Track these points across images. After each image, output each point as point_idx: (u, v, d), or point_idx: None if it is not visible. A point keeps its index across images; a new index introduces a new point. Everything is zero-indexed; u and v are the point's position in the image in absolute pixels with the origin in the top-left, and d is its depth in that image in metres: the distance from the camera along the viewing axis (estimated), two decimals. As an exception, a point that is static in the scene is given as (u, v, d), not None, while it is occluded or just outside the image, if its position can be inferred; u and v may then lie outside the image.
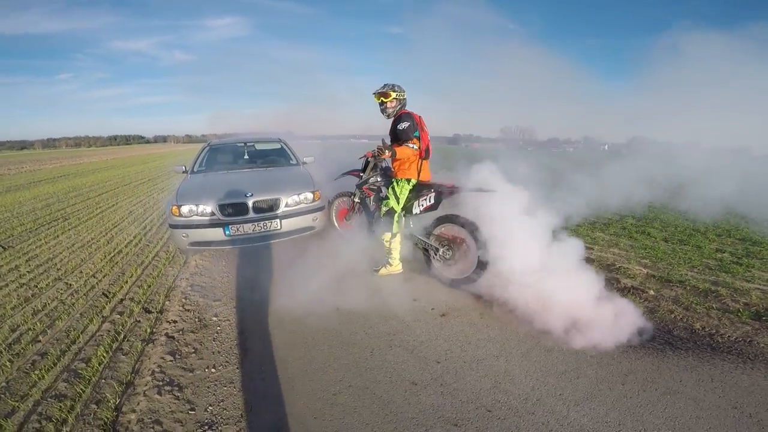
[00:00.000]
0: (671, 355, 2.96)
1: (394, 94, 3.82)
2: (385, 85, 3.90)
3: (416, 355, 2.96)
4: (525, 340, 3.14)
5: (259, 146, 6.69)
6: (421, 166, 3.98)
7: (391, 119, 3.95)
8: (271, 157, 6.35)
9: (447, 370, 2.79)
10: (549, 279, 3.50)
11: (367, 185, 4.60)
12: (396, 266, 4.25)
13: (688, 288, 4.13)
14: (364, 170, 4.63)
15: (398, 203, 4.03)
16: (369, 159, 4.50)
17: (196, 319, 3.56)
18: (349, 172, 5.00)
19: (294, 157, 6.26)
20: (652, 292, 4.01)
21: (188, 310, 3.73)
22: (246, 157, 6.32)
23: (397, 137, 3.82)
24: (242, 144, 6.57)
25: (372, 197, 4.62)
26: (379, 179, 4.52)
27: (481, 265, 3.68)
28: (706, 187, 5.56)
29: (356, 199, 4.82)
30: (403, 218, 4.18)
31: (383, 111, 3.96)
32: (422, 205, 4.01)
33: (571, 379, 2.68)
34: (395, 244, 4.17)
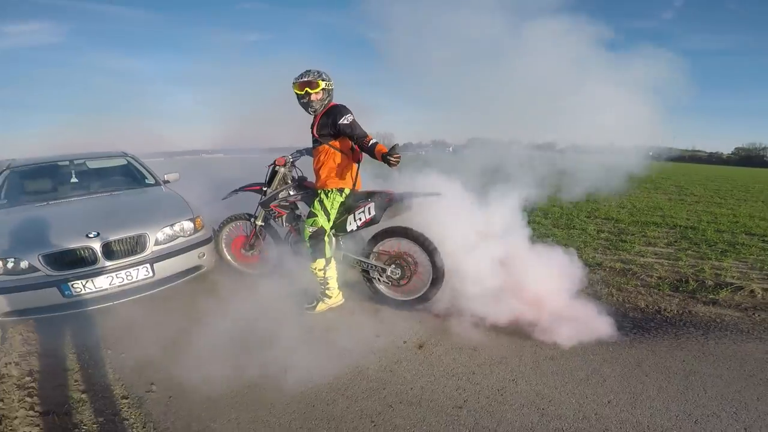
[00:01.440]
0: (651, 337, 3.11)
1: (323, 84, 3.12)
2: (308, 71, 3.16)
3: (428, 406, 2.35)
4: (524, 353, 2.89)
5: (92, 164, 4.91)
6: (357, 171, 3.40)
7: (316, 114, 3.25)
8: (115, 177, 4.75)
9: (476, 412, 2.28)
10: (511, 280, 3.41)
11: (276, 202, 3.72)
12: (336, 297, 3.50)
13: (607, 269, 4.55)
14: (269, 183, 3.74)
15: (329, 220, 3.33)
16: (277, 168, 3.66)
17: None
18: (246, 188, 3.98)
19: (150, 174, 4.81)
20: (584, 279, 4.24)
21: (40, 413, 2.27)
22: (74, 180, 4.53)
23: (336, 136, 3.16)
24: (66, 162, 4.71)
25: (284, 217, 3.76)
26: (292, 192, 3.71)
27: (437, 281, 3.31)
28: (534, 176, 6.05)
29: (259, 222, 3.87)
30: (334, 238, 3.48)
31: (307, 105, 3.19)
32: (359, 219, 3.40)
33: (601, 383, 2.54)
34: (331, 271, 3.43)
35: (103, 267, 3.18)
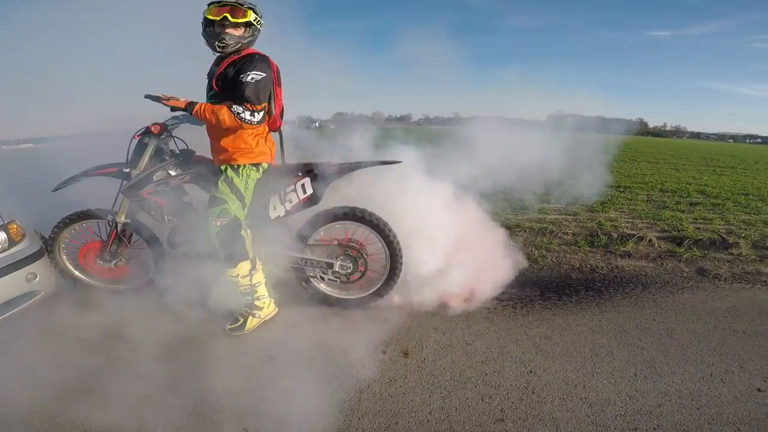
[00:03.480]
0: (609, 298, 3.33)
1: (251, 16, 2.36)
2: None
3: (463, 428, 1.95)
4: (517, 337, 2.75)
5: None
6: (280, 142, 2.66)
7: (226, 58, 2.39)
8: None
9: (523, 421, 2.00)
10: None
11: (150, 187, 2.66)
12: (268, 307, 2.74)
13: (527, 230, 4.79)
14: (134, 161, 2.64)
15: (243, 207, 2.53)
16: (147, 140, 2.61)
17: None
18: (94, 171, 2.72)
19: None
20: (512, 242, 4.36)
21: None
22: None
23: (234, 92, 2.33)
24: None
25: (164, 208, 2.72)
26: (174, 172, 2.70)
27: (395, 271, 2.91)
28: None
29: (123, 219, 2.76)
30: (249, 230, 2.69)
31: (216, 39, 2.35)
32: (290, 201, 2.70)
33: (609, 357, 2.53)
34: (258, 275, 2.66)
35: None
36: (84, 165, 2.76)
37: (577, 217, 5.39)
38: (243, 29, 2.37)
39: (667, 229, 4.99)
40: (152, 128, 2.56)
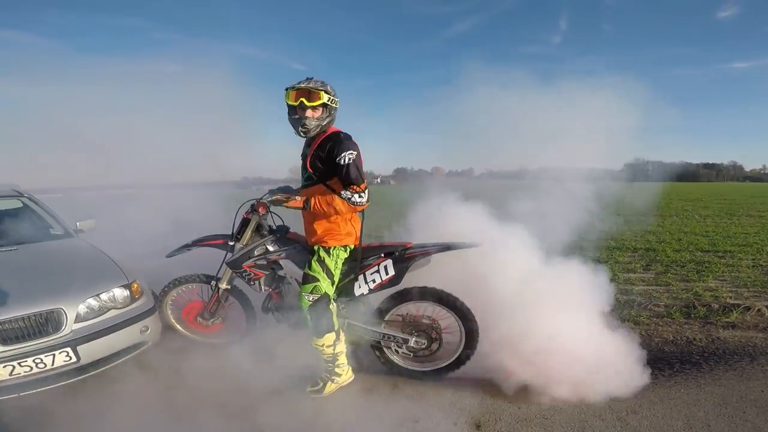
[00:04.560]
0: (709, 371, 3.08)
1: (325, 97, 2.59)
2: (310, 77, 2.65)
3: None
4: (601, 412, 2.63)
5: None
6: (362, 221, 2.95)
7: (315, 139, 2.73)
8: (7, 225, 3.68)
9: None
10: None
11: (251, 261, 3.06)
12: (346, 374, 2.93)
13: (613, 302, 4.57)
14: (238, 235, 3.07)
15: (332, 284, 2.82)
16: (251, 215, 3.00)
17: None
18: (203, 242, 3.24)
19: (57, 222, 3.82)
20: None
21: None
22: None
23: (328, 174, 2.66)
24: None
25: (262, 279, 3.10)
26: (272, 248, 3.09)
27: (470, 347, 2.99)
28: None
29: (224, 285, 3.17)
30: (334, 303, 2.94)
31: (298, 123, 2.65)
32: (373, 281, 2.95)
33: (706, 428, 2.40)
34: (340, 345, 2.88)
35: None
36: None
37: (670, 288, 5.06)
38: (321, 110, 2.62)
39: (779, 298, 4.52)
40: (259, 209, 2.96)
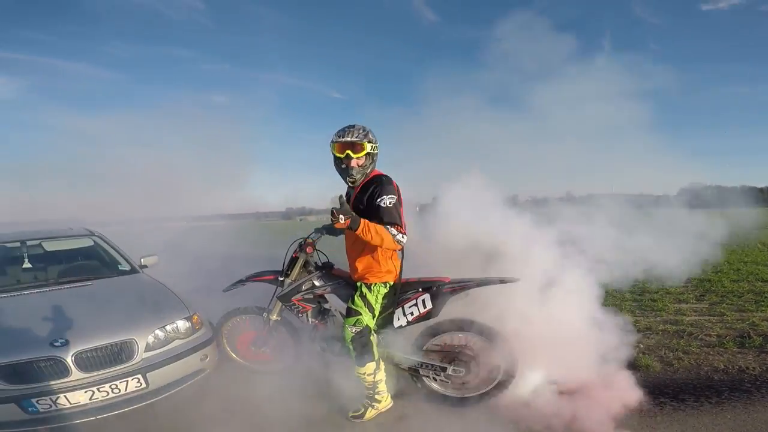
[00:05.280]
0: (762, 398, 3.02)
1: (368, 147, 2.79)
2: (353, 127, 2.83)
3: None
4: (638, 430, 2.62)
5: (50, 245, 4.30)
6: (401, 259, 3.13)
7: (357, 184, 2.92)
8: (80, 262, 4.17)
9: None
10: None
11: (300, 295, 3.34)
12: (385, 401, 3.09)
13: (660, 333, 4.49)
14: (288, 271, 3.39)
15: (373, 317, 3.03)
16: (299, 254, 3.33)
17: None
18: (256, 277, 3.58)
19: (124, 258, 4.28)
20: (641, 346, 4.15)
21: None
22: (27, 265, 3.93)
23: (369, 215, 2.80)
24: (16, 243, 4.08)
25: (309, 312, 3.36)
26: (318, 283, 3.36)
27: (507, 376, 3.09)
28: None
29: (275, 317, 3.45)
30: (376, 335, 3.14)
31: (345, 173, 2.86)
32: (411, 314, 3.13)
33: None
34: (380, 374, 3.07)
35: (77, 380, 2.74)
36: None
37: (723, 318, 4.89)
38: (365, 159, 2.83)
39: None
40: (307, 249, 3.30)
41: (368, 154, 2.82)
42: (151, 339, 3.06)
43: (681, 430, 2.66)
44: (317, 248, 3.42)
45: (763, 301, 5.49)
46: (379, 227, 2.65)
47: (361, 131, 2.82)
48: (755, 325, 4.55)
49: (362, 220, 2.61)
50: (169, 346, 3.13)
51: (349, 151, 2.77)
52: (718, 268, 7.82)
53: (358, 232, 2.60)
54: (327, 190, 3.41)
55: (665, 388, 3.30)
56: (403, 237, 2.74)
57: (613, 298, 6.06)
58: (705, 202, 4.42)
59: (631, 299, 5.93)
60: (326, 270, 3.41)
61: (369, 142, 2.80)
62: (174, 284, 3.80)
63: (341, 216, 2.55)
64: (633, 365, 3.69)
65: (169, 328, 3.19)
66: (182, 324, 3.27)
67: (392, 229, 2.68)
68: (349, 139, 2.79)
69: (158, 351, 3.07)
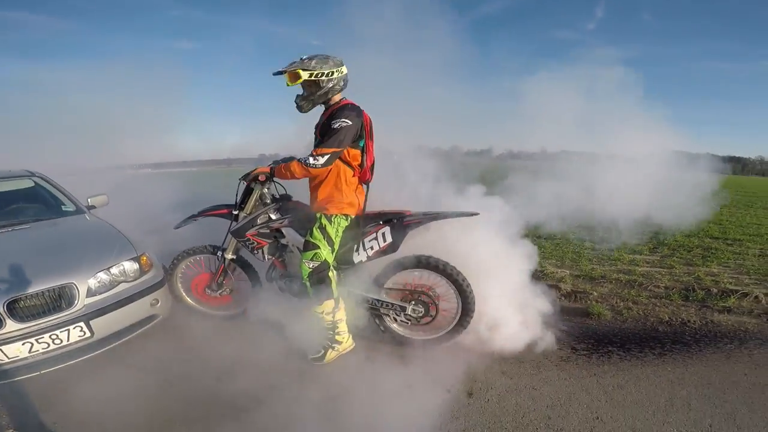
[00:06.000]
0: (698, 352, 3.22)
1: (304, 75, 2.68)
2: (302, 58, 2.74)
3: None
4: (588, 385, 2.80)
5: None
6: (366, 193, 3.10)
7: (327, 109, 2.85)
8: (19, 204, 3.83)
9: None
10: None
11: (255, 230, 3.21)
12: (346, 342, 3.11)
13: (613, 281, 4.70)
14: (242, 204, 3.24)
15: (332, 251, 2.96)
16: (254, 185, 3.15)
17: None
18: (208, 212, 3.39)
19: (68, 199, 3.97)
20: (595, 294, 4.34)
21: None
22: None
23: (321, 142, 2.79)
24: None
25: (265, 248, 3.25)
26: (275, 216, 3.22)
27: (466, 316, 3.13)
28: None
29: (230, 255, 3.34)
30: (335, 272, 3.09)
31: (303, 104, 2.85)
32: (371, 248, 3.07)
33: (686, 408, 2.54)
34: (340, 313, 3.05)
35: (12, 331, 2.53)
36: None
37: (672, 271, 5.16)
38: (309, 87, 2.78)
39: (780, 285, 4.60)
40: (260, 178, 3.09)
41: (312, 82, 2.74)
42: (93, 283, 2.85)
43: (625, 380, 2.81)
44: (275, 181, 3.20)
45: (710, 257, 5.81)
46: (289, 163, 2.75)
47: (298, 61, 2.73)
48: (699, 279, 4.82)
49: (277, 165, 2.83)
50: (115, 290, 2.94)
51: (287, 81, 2.72)
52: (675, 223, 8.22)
53: (275, 175, 2.86)
54: (305, 134, 3.23)
55: (614, 337, 3.48)
56: (316, 159, 2.68)
57: (573, 246, 6.31)
58: (673, 166, 4.59)
59: (590, 248, 6.16)
60: (284, 202, 3.25)
61: (305, 70, 2.69)
62: (124, 226, 3.56)
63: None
64: (586, 312, 3.93)
65: (114, 270, 2.99)
66: (129, 265, 3.07)
67: (304, 156, 2.72)
68: (282, 69, 2.73)
69: (102, 296, 2.87)
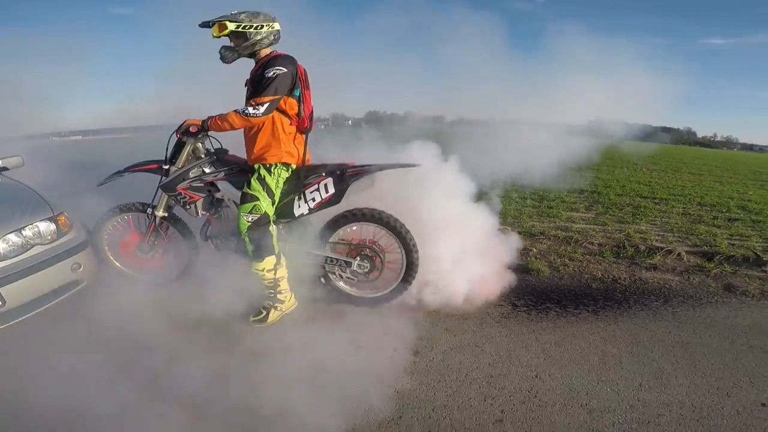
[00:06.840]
0: (627, 309, 3.41)
1: (231, 26, 2.62)
2: (222, 16, 2.66)
3: (463, 427, 2.13)
4: (528, 344, 2.89)
5: None
6: (305, 143, 2.94)
7: (258, 62, 2.76)
8: None
9: (521, 423, 2.16)
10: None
11: (186, 183, 2.93)
12: (289, 301, 3.00)
13: (551, 238, 4.87)
14: (173, 159, 2.97)
15: (272, 204, 2.78)
16: (185, 138, 2.90)
17: None
18: (136, 167, 3.05)
19: None
20: (534, 250, 4.49)
21: None
22: None
23: (257, 92, 2.64)
24: None
25: (198, 203, 3.00)
26: (208, 170, 2.96)
27: (411, 271, 3.12)
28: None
29: (160, 213, 3.06)
30: (275, 226, 2.93)
31: (228, 54, 2.75)
32: (312, 200, 2.93)
33: (618, 365, 2.67)
34: (282, 270, 2.91)
35: None
36: (130, 158, 3.09)
37: (606, 228, 5.45)
38: (236, 39, 2.70)
39: (699, 244, 5.01)
40: (191, 129, 2.83)
41: (239, 33, 2.67)
42: (2, 246, 2.52)
43: (561, 337, 2.94)
44: (210, 135, 3.00)
45: (639, 215, 6.20)
46: (225, 114, 2.64)
47: (228, 14, 2.67)
48: (629, 236, 5.12)
49: (210, 118, 2.71)
50: (28, 254, 2.60)
51: (213, 32, 2.67)
52: (608, 183, 8.66)
53: (209, 126, 2.73)
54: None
55: (552, 293, 3.63)
56: (255, 109, 2.59)
57: (516, 203, 6.46)
58: (609, 134, 4.82)
59: (531, 206, 6.35)
60: (219, 156, 3.05)
61: (232, 21, 2.64)
62: (41, 187, 3.11)
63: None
64: (526, 269, 4.04)
65: (27, 232, 2.63)
66: (44, 226, 2.71)
67: (242, 106, 2.64)
68: (209, 20, 2.68)
69: (14, 260, 2.54)
